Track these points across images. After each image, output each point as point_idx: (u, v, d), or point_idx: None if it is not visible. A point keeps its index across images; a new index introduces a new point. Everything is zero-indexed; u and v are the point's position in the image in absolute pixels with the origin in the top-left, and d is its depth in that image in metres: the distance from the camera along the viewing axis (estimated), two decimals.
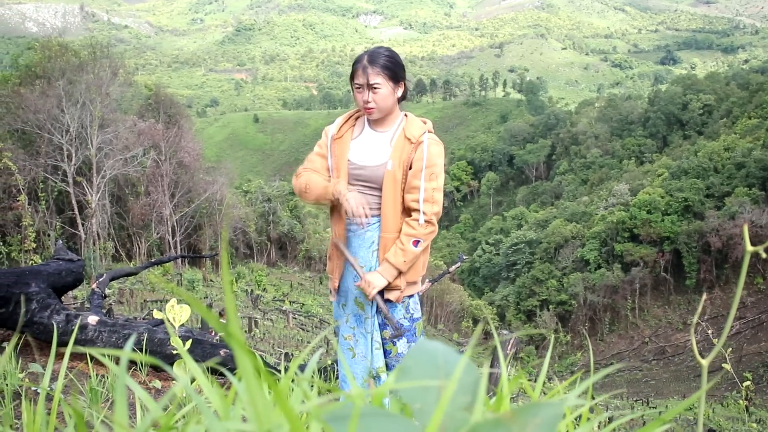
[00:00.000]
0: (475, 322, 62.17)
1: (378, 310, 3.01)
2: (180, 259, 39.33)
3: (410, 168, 2.92)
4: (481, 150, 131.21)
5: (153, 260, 7.21)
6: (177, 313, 2.68)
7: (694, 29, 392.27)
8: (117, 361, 3.24)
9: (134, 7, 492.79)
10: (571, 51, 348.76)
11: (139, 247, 38.30)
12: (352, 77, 2.97)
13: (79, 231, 32.39)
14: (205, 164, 47.39)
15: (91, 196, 32.76)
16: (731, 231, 58.76)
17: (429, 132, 3.00)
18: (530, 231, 78.99)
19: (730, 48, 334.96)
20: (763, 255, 0.68)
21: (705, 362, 0.70)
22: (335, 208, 3.02)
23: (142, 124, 37.64)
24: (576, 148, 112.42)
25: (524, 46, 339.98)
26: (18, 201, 24.49)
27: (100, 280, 5.37)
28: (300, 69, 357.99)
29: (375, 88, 2.89)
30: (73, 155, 32.42)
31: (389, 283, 2.95)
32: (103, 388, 2.46)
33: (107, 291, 15.26)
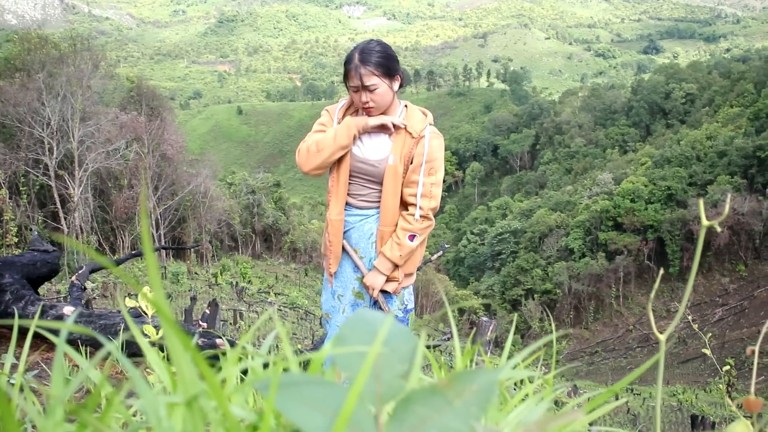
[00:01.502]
0: (461, 312, 62.34)
1: (374, 302, 3.01)
2: (164, 251, 39.20)
3: (411, 162, 2.89)
4: (465, 140, 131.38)
5: (133, 252, 7.18)
6: (151, 302, 2.66)
7: (677, 18, 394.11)
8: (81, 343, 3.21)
9: None
10: (554, 41, 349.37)
11: (123, 241, 38.09)
12: (346, 77, 2.87)
13: (61, 225, 32.18)
14: (189, 157, 47.13)
15: (74, 189, 32.52)
16: (714, 219, 59.00)
17: (430, 125, 2.94)
18: (515, 221, 79.23)
19: (712, 37, 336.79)
20: (718, 229, 0.70)
21: (662, 337, 0.69)
22: (334, 198, 2.96)
23: (124, 116, 37.35)
24: (560, 137, 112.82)
25: (508, 36, 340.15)
26: None
27: (80, 272, 5.33)
28: (283, 60, 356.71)
29: (371, 88, 2.81)
30: (55, 149, 32.16)
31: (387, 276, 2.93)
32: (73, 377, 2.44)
33: (89, 285, 15.18)
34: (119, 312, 3.65)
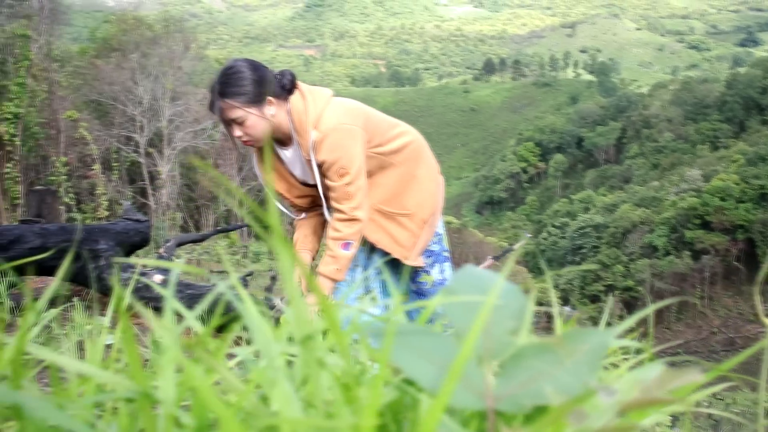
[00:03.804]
0: (539, 304, 61.63)
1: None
2: (247, 230, 39.97)
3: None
4: (549, 131, 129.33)
5: (219, 228, 7.33)
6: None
7: None
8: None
9: None
10: (645, 31, 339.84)
11: (206, 219, 39.01)
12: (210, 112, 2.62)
13: (149, 201, 33.14)
14: None
15: (162, 167, 33.46)
16: None
17: (314, 130, 2.56)
18: (597, 215, 77.84)
19: None
20: None
21: None
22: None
23: None
24: (648, 131, 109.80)
25: (597, 25, 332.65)
26: (92, 170, 25.11)
27: (168, 244, 5.48)
28: (369, 46, 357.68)
29: (240, 122, 2.52)
30: (146, 127, 33.12)
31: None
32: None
33: (175, 260, 15.59)
34: (206, 284, 3.73)
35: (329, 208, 2.72)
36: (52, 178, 21.98)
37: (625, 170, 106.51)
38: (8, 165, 20.29)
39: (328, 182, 2.60)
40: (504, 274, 0.59)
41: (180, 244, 6.03)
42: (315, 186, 2.70)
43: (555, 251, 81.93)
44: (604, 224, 74.37)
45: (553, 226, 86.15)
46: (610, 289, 65.44)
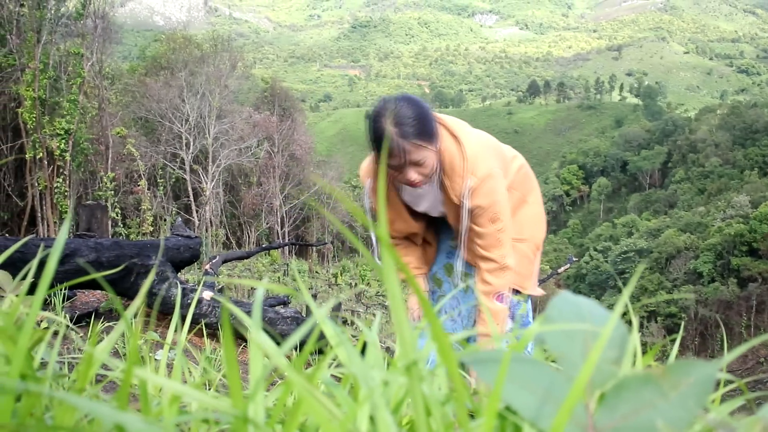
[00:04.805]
0: None
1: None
2: (288, 248, 40.23)
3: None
4: (593, 155, 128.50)
5: (263, 246, 7.41)
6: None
7: None
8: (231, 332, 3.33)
9: (255, 2, 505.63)
10: (693, 55, 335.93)
11: (249, 236, 39.32)
12: (378, 153, 2.41)
13: (193, 217, 33.56)
14: (316, 158, 48.23)
15: (206, 183, 33.88)
16: None
17: (471, 176, 2.42)
18: (641, 239, 76.84)
19: None
20: None
21: None
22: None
23: (257, 116, 38.63)
24: (694, 156, 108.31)
25: (644, 49, 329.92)
26: (138, 186, 25.52)
27: (213, 261, 5.55)
28: (413, 67, 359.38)
29: (420, 163, 2.33)
30: (191, 144, 33.62)
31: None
32: (216, 358, 2.54)
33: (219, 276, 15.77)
34: (250, 301, 3.78)
35: (458, 249, 2.67)
36: (100, 193, 22.38)
37: (670, 195, 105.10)
38: (58, 179, 20.68)
39: (475, 227, 2.49)
40: (600, 302, 0.58)
41: (226, 261, 6.10)
42: (422, 219, 2.67)
43: (597, 275, 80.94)
44: (648, 249, 73.35)
45: (596, 249, 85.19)
46: (652, 315, 64.37)
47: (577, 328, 0.57)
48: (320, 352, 3.47)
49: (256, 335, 0.57)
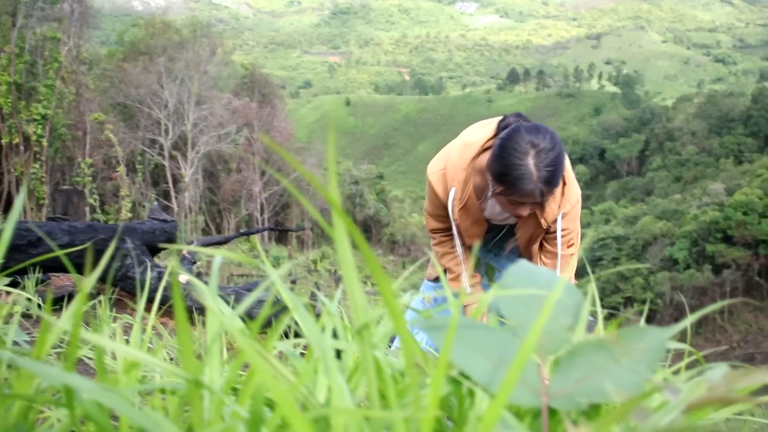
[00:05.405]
0: None
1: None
2: (267, 235, 40.12)
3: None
4: (572, 142, 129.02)
5: (242, 231, 7.38)
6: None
7: None
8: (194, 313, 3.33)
9: None
10: (671, 44, 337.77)
11: (228, 222, 39.21)
12: (510, 189, 2.12)
13: (172, 203, 33.40)
14: (296, 144, 48.08)
15: (185, 170, 33.70)
16: None
17: (571, 193, 2.39)
18: (618, 227, 77.38)
19: None
20: None
21: None
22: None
23: (236, 102, 38.44)
24: (671, 144, 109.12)
25: (622, 38, 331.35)
26: (117, 172, 25.36)
27: (191, 245, 5.53)
28: (393, 54, 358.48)
29: (544, 203, 2.23)
30: (170, 130, 33.41)
31: None
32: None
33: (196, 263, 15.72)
34: (229, 286, 3.78)
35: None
36: (77, 179, 22.20)
37: (647, 182, 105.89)
38: (35, 165, 20.51)
39: (549, 247, 2.45)
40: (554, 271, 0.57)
41: (204, 246, 6.08)
42: (496, 227, 2.60)
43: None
44: (625, 236, 73.91)
45: None
46: (629, 301, 64.97)
47: (531, 295, 0.57)
48: (297, 335, 3.48)
49: (212, 302, 0.57)
